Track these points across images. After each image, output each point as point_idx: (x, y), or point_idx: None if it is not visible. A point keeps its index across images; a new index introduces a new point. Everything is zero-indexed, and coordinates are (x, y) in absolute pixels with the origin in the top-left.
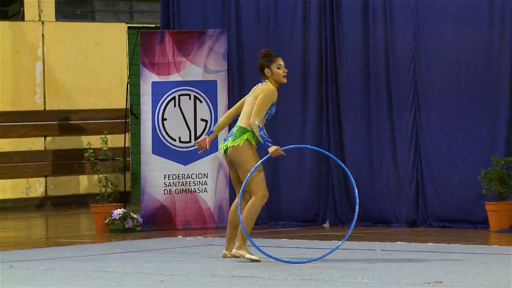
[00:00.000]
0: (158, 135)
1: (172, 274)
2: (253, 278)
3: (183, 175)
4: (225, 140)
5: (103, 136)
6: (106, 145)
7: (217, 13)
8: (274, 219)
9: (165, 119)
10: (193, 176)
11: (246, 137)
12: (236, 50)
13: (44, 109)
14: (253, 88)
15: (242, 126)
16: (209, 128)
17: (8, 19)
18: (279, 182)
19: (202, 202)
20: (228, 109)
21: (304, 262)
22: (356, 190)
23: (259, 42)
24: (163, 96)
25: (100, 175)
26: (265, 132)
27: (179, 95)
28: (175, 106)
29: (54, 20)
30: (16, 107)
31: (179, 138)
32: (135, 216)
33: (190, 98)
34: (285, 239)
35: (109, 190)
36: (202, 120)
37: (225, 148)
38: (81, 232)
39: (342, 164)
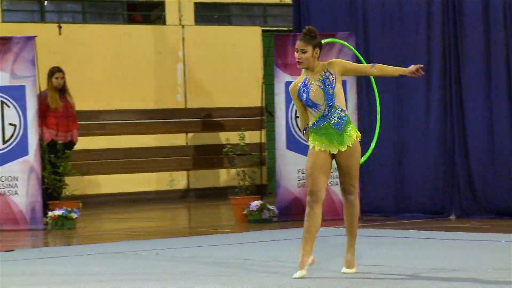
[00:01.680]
0: (291, 132)
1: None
2: (384, 267)
3: None
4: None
5: (241, 132)
6: (243, 141)
7: (345, 16)
8: (402, 211)
9: (298, 117)
10: None
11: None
12: (364, 51)
13: (185, 107)
14: None
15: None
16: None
17: (151, 23)
18: (404, 175)
19: (333, 195)
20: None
21: None
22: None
23: (385, 43)
24: None
25: (238, 169)
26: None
27: None
28: None
29: (194, 24)
30: (159, 106)
31: None
32: (271, 207)
33: None
34: (413, 230)
35: (246, 183)
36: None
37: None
38: (221, 222)
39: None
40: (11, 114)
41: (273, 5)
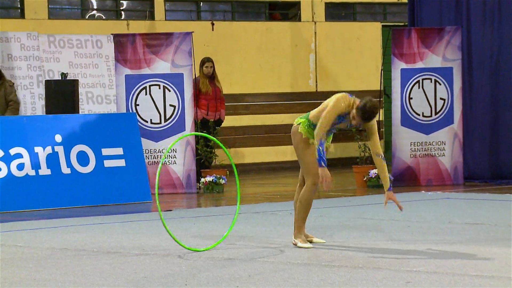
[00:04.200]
0: (405, 111)
1: (417, 221)
2: (482, 226)
3: (426, 143)
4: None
5: None
6: None
7: (452, 12)
8: (498, 178)
9: (411, 98)
10: (433, 143)
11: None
12: (466, 42)
13: (316, 90)
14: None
15: (310, 119)
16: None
17: (288, 20)
18: (499, 147)
19: (440, 164)
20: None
21: None
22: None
23: (484, 35)
24: (409, 80)
25: (359, 142)
26: (324, 148)
27: (423, 79)
28: (419, 87)
29: (324, 20)
30: (294, 89)
31: (422, 113)
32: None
33: (431, 81)
34: (508, 194)
35: (366, 154)
36: (441, 99)
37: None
38: (345, 187)
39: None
40: (171, 97)
41: (391, 4)
